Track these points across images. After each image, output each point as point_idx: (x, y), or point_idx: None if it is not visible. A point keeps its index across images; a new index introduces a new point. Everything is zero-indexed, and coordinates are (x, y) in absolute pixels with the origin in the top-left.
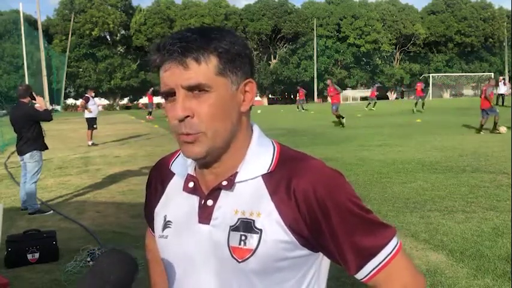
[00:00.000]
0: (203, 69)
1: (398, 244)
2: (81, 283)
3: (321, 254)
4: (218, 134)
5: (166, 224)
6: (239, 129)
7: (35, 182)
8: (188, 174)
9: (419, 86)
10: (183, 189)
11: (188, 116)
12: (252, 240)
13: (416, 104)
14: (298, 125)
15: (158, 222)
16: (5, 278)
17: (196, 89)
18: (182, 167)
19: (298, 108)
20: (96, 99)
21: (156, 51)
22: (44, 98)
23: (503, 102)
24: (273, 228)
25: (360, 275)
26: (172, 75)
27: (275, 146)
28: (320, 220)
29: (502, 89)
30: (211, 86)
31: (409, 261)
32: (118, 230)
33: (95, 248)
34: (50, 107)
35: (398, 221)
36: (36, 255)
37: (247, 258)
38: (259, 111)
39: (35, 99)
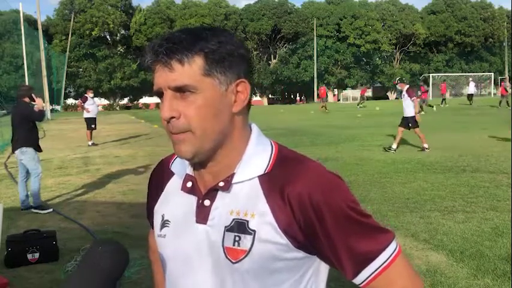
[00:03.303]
0: (187, 70)
1: (398, 248)
2: (73, 270)
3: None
4: (206, 134)
5: (164, 223)
6: (232, 130)
7: (37, 176)
8: (187, 173)
9: (503, 85)
10: (181, 189)
11: (174, 117)
12: (246, 241)
13: (500, 102)
14: (298, 125)
15: (157, 221)
16: (5, 278)
17: (182, 90)
18: (181, 166)
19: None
20: (96, 99)
21: (146, 52)
22: (44, 98)
23: (470, 102)
24: (267, 230)
25: (358, 279)
26: (160, 76)
27: (273, 146)
28: (315, 225)
29: (471, 89)
30: (196, 87)
31: (408, 265)
32: (118, 230)
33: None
34: (49, 108)
35: (398, 221)
36: (36, 255)
37: (242, 259)
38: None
39: (34, 101)
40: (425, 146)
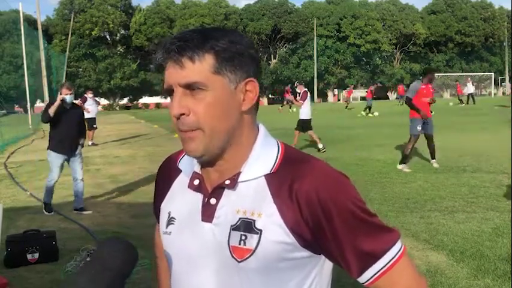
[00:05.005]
0: (198, 68)
1: (402, 248)
2: (81, 268)
3: (323, 256)
4: (215, 132)
5: (170, 221)
6: (240, 129)
7: (50, 180)
8: (194, 171)
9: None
10: (188, 187)
11: (183, 114)
12: (252, 240)
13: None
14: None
15: (163, 218)
16: (5, 278)
17: (192, 87)
18: (189, 164)
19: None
20: (96, 99)
21: (158, 51)
22: (44, 98)
23: (473, 101)
24: (274, 229)
25: (363, 278)
26: (170, 73)
27: (280, 146)
28: (322, 223)
29: (471, 88)
30: (206, 84)
31: (412, 265)
32: (118, 230)
33: (95, 248)
34: (51, 112)
35: (398, 221)
36: (36, 255)
37: (247, 258)
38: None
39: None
40: (320, 146)
